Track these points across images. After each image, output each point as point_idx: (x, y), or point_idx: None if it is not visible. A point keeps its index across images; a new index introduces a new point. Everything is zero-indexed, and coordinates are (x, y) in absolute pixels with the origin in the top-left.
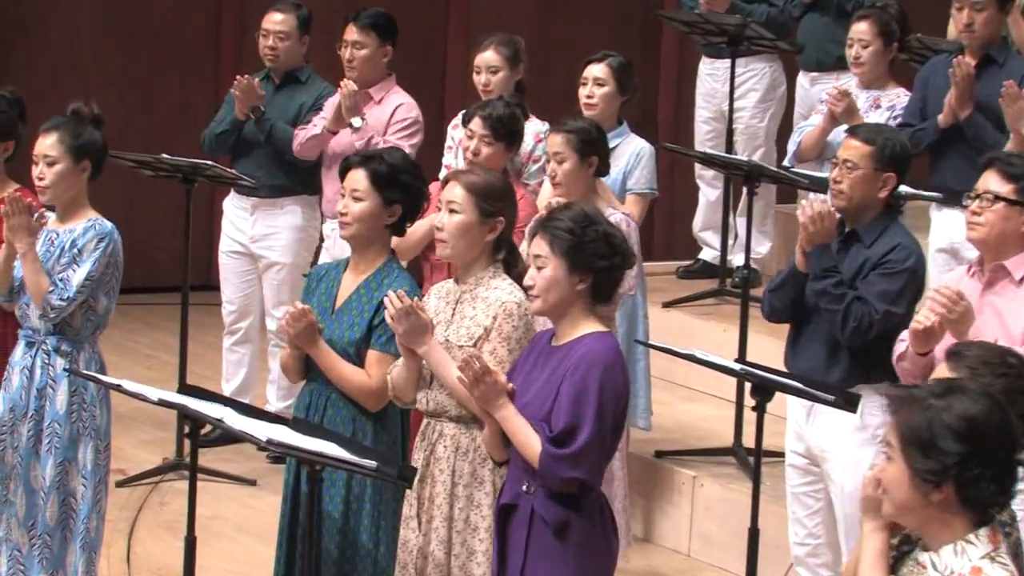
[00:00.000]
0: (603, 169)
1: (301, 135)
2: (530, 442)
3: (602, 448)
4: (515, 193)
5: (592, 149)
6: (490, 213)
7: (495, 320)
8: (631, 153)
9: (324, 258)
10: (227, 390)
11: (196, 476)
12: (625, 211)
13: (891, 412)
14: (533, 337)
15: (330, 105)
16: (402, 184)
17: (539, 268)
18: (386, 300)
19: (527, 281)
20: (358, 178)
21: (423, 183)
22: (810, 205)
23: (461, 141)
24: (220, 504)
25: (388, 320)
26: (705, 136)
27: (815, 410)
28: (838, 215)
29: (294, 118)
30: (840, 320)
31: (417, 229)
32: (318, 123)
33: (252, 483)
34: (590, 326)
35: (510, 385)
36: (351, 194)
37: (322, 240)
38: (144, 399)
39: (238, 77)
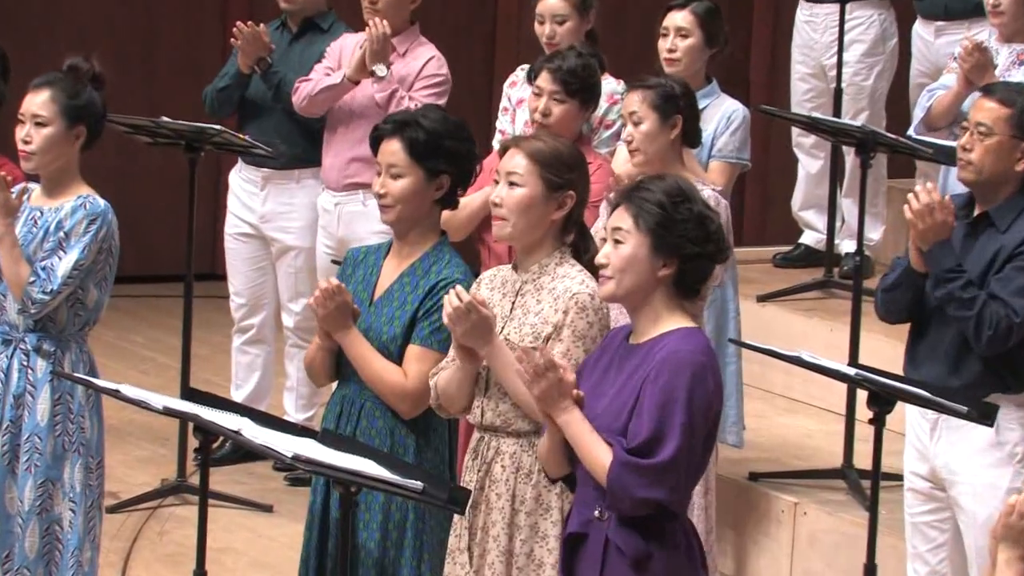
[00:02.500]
0: (692, 136)
1: (304, 87)
2: (597, 453)
3: (689, 467)
4: (587, 163)
5: (675, 108)
6: (558, 186)
7: (566, 315)
8: (721, 116)
9: (321, 240)
10: (238, 397)
11: (207, 500)
12: (715, 186)
13: None
14: (593, 335)
15: (336, 51)
16: (447, 151)
17: (617, 243)
18: (446, 299)
19: (599, 258)
20: (394, 150)
21: (471, 143)
22: (916, 196)
23: (524, 101)
24: (230, 534)
25: (446, 320)
26: (803, 96)
27: (941, 424)
28: (965, 190)
29: (308, 74)
30: (973, 329)
31: (467, 204)
32: (320, 71)
33: (268, 509)
34: (676, 321)
35: (579, 391)
36: (388, 171)
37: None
38: (147, 407)
39: (239, 24)
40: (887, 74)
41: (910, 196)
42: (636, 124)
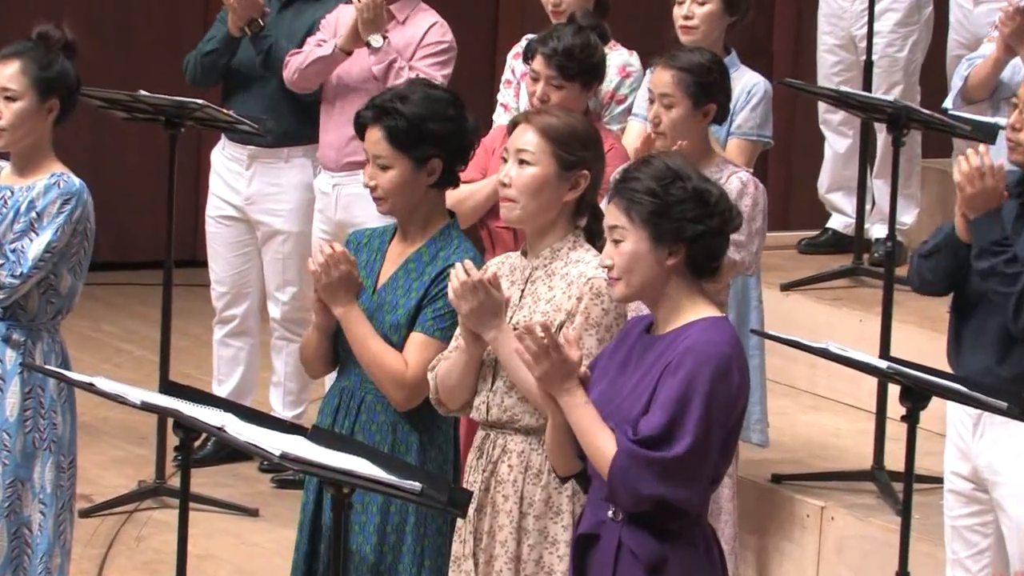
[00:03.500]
0: (719, 116)
1: (294, 60)
2: (601, 440)
3: (701, 467)
4: (602, 141)
5: (710, 95)
6: (571, 165)
7: (580, 302)
8: (740, 90)
9: (318, 225)
10: (220, 393)
11: (188, 503)
12: (747, 169)
13: None
14: (624, 326)
15: (332, 23)
16: (432, 135)
17: (616, 242)
18: (452, 273)
19: (603, 260)
20: (376, 140)
21: (461, 120)
22: (966, 158)
23: (523, 79)
24: (212, 540)
25: (451, 296)
26: (831, 69)
27: (984, 420)
28: (1016, 169)
29: (301, 42)
30: (1013, 308)
31: (474, 192)
32: (312, 44)
33: (254, 513)
34: (699, 310)
35: (585, 370)
36: (374, 161)
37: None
38: (123, 402)
39: None
40: (922, 45)
41: (960, 158)
42: (667, 107)
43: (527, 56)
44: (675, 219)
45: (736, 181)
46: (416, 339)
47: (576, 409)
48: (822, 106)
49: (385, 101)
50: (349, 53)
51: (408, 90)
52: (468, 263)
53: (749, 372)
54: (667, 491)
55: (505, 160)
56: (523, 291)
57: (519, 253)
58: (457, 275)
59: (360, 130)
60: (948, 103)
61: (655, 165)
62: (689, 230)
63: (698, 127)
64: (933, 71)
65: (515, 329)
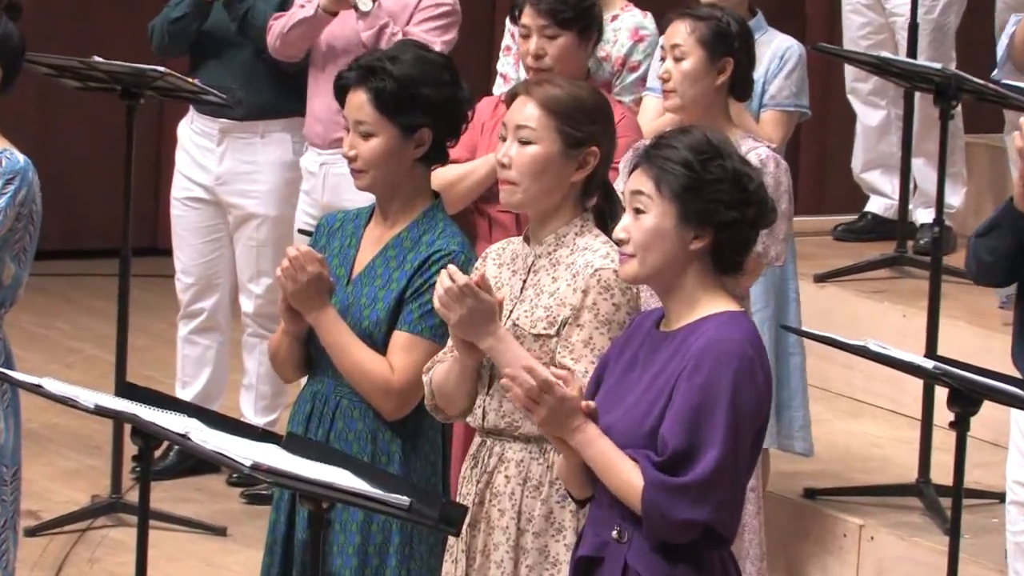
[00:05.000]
0: (741, 88)
1: (276, 25)
2: (625, 475)
3: (736, 478)
4: (612, 111)
5: (727, 48)
6: (578, 142)
7: (587, 296)
8: (771, 56)
9: (303, 208)
10: (185, 397)
11: (147, 521)
12: (770, 143)
13: None
14: (619, 320)
15: None
16: (425, 100)
17: (637, 213)
18: (438, 280)
19: (618, 232)
20: (360, 104)
21: (456, 86)
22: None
23: (517, 41)
24: (175, 563)
25: (436, 305)
26: (858, 32)
27: None
28: None
29: (280, 5)
30: None
31: (469, 173)
32: (296, 4)
33: (221, 532)
34: (716, 303)
35: (589, 403)
36: (356, 128)
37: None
38: (74, 406)
39: None
40: (956, 7)
41: (1015, 135)
42: (677, 60)
43: (514, 15)
44: (708, 199)
45: (753, 157)
46: (401, 340)
47: (590, 447)
48: (849, 74)
49: (372, 61)
50: (334, 14)
51: (398, 50)
52: (452, 268)
53: (785, 371)
54: (706, 514)
55: (503, 139)
56: (525, 281)
57: (521, 239)
58: (441, 282)
59: (342, 94)
60: (997, 67)
61: (695, 136)
62: (721, 214)
63: (711, 84)
64: (978, 40)
65: (516, 325)
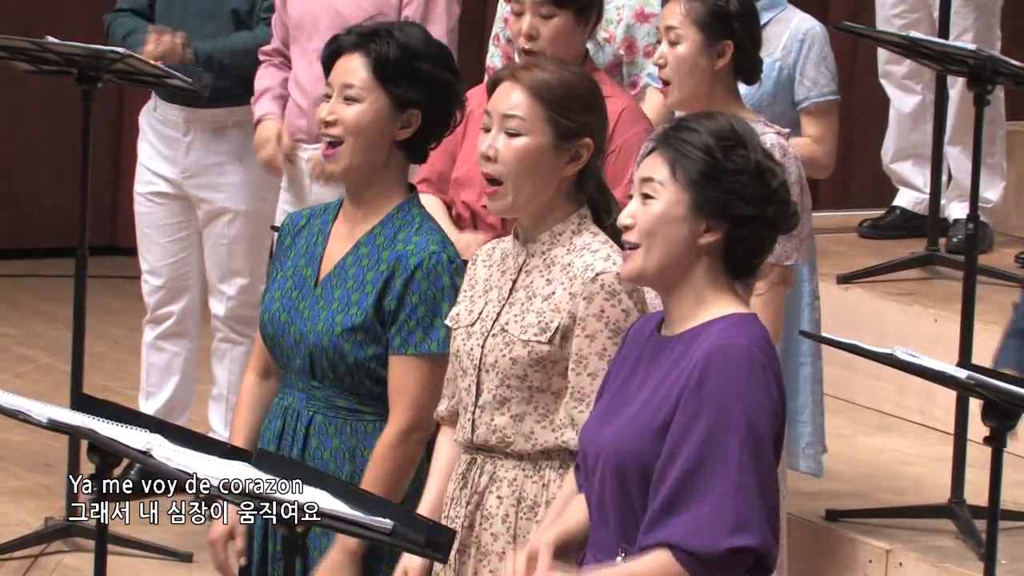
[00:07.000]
0: (748, 70)
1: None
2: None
3: (764, 493)
4: (604, 99)
5: (726, 30)
6: (571, 132)
7: (590, 304)
8: (791, 37)
9: (284, 209)
10: (148, 409)
11: (105, 545)
12: (781, 130)
13: None
14: (629, 326)
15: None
16: (424, 76)
17: (646, 199)
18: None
19: (623, 218)
20: (353, 68)
21: (456, 76)
22: None
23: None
24: None
25: None
26: (891, 11)
27: None
28: None
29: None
30: None
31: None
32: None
33: (187, 558)
34: (724, 305)
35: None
36: (341, 92)
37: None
38: (25, 420)
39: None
40: None
41: None
42: (672, 43)
43: None
44: (726, 190)
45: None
46: (400, 365)
47: None
48: (882, 56)
49: (376, 26)
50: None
51: (405, 24)
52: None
53: (795, 381)
54: (751, 539)
55: (487, 129)
56: (515, 282)
57: (512, 237)
58: None
59: (332, 60)
60: None
61: (719, 122)
62: (738, 208)
63: (708, 70)
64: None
65: (505, 331)
